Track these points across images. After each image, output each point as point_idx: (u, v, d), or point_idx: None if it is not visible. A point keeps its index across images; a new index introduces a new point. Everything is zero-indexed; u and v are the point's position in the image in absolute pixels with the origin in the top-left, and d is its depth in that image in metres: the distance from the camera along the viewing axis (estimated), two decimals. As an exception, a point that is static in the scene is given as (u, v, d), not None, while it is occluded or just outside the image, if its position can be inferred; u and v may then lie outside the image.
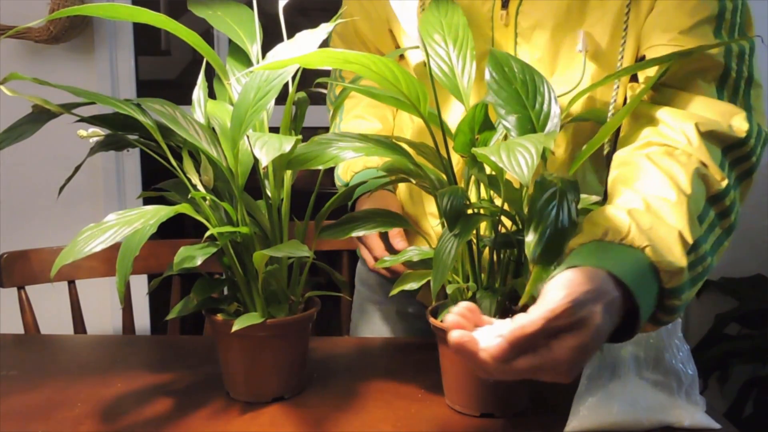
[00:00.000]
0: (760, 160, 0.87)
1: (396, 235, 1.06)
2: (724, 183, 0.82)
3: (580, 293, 0.62)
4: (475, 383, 0.91)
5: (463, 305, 0.67)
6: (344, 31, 1.23)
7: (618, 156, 0.88)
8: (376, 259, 1.07)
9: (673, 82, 0.90)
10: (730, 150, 0.85)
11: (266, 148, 0.80)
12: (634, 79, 0.99)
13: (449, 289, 0.89)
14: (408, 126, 1.16)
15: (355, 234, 0.96)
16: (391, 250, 1.06)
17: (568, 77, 0.98)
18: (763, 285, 2.13)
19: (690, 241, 0.73)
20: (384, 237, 1.08)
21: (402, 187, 1.19)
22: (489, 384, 0.90)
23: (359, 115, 1.22)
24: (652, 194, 0.77)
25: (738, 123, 0.86)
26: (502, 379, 0.64)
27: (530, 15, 0.98)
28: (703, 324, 2.13)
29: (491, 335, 0.63)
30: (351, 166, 1.16)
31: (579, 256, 0.69)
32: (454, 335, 0.63)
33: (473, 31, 0.95)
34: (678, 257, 0.70)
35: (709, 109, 0.87)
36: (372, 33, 1.19)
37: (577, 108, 0.99)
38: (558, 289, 0.63)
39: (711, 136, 0.84)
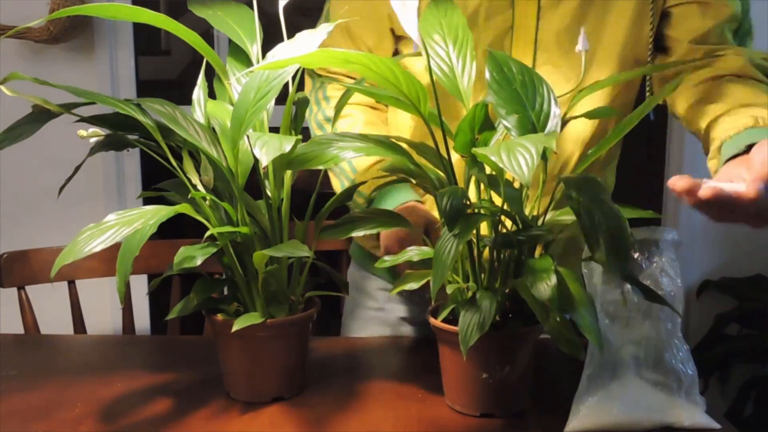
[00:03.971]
0: None
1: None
2: None
3: None
4: (475, 383, 0.91)
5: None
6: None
7: (691, 85, 0.98)
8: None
9: (707, 39, 1.01)
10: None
11: (266, 148, 0.80)
12: (657, 49, 1.04)
13: (449, 289, 0.89)
14: (405, 128, 1.14)
15: (354, 234, 0.95)
16: None
17: (594, 42, 0.99)
18: (763, 285, 2.13)
19: None
20: None
21: None
22: (489, 384, 0.90)
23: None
24: (755, 98, 0.89)
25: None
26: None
27: None
28: (703, 324, 2.13)
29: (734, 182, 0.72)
30: (375, 178, 1.06)
31: (744, 138, 0.81)
32: (704, 193, 0.71)
33: (493, 6, 0.95)
34: None
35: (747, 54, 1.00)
36: (367, 32, 1.15)
37: (605, 65, 1.01)
38: None
39: (758, 68, 0.98)
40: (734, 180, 0.74)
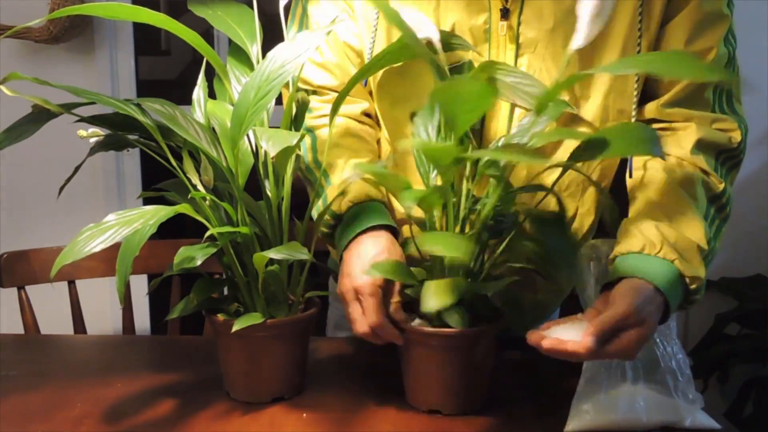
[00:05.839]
0: (745, 150, 1.01)
1: (396, 311, 0.93)
2: (722, 186, 0.97)
3: (640, 300, 0.84)
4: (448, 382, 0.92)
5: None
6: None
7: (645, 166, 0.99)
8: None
9: (681, 98, 0.98)
10: (722, 153, 0.99)
11: (273, 141, 0.81)
12: (643, 100, 0.99)
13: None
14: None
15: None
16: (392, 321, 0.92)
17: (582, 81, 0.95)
18: (763, 285, 2.13)
19: (705, 248, 0.92)
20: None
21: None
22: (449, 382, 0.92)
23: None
24: (669, 206, 0.92)
25: (734, 135, 0.98)
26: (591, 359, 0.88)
27: (533, 25, 0.94)
28: (703, 324, 2.13)
29: (577, 333, 0.81)
30: (349, 193, 0.98)
31: (627, 265, 0.88)
32: (545, 344, 0.81)
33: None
34: (698, 267, 0.90)
35: (708, 129, 0.98)
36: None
37: (588, 115, 0.97)
38: (624, 297, 0.84)
39: (709, 147, 0.97)
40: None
